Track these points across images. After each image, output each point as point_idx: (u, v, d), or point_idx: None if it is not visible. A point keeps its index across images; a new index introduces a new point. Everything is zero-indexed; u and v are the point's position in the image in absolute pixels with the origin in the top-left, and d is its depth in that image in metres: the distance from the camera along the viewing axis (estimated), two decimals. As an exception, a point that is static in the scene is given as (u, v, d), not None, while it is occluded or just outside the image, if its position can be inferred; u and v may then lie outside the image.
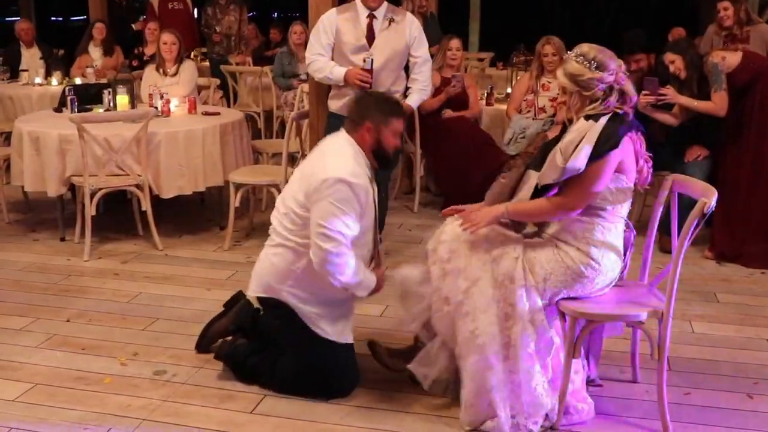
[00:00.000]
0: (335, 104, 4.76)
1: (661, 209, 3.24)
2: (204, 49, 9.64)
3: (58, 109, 5.88)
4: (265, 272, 3.24)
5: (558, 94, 5.42)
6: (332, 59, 4.76)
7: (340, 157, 3.09)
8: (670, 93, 4.82)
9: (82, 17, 15.23)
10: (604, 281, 3.00)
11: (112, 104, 5.68)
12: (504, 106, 6.42)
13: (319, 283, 3.10)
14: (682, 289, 3.87)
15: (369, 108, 3.19)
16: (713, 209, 2.81)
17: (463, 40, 6.63)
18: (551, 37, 6.02)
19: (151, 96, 5.83)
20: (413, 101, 4.95)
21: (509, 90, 7.05)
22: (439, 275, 3.07)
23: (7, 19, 14.90)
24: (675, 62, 4.87)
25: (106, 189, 4.95)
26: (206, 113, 5.77)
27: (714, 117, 4.85)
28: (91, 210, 4.87)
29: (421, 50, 4.88)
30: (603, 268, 2.95)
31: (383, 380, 3.35)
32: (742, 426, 3.07)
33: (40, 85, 7.59)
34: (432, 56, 5.29)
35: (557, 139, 3.06)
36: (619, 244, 3.02)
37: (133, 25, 9.82)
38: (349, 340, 3.28)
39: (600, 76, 2.90)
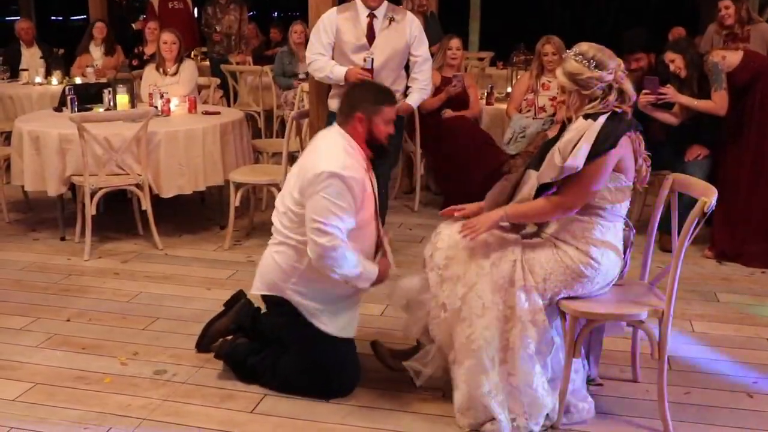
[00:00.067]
0: (335, 104, 4.75)
1: (661, 208, 3.24)
2: (204, 49, 9.64)
3: (58, 109, 5.88)
4: (268, 270, 3.24)
5: (558, 93, 5.42)
6: (332, 58, 4.76)
7: (331, 151, 3.08)
8: (670, 92, 4.81)
9: (82, 17, 15.23)
10: (604, 280, 3.00)
11: (112, 104, 5.68)
12: (504, 106, 6.41)
13: (323, 279, 3.10)
14: (683, 289, 3.87)
15: (359, 99, 3.19)
16: (713, 208, 2.81)
17: (463, 39, 6.63)
18: (551, 36, 6.02)
19: (151, 95, 5.83)
20: (413, 100, 4.95)
21: (509, 89, 7.04)
22: (437, 282, 3.07)
23: (7, 18, 14.91)
24: (675, 61, 4.87)
25: (107, 188, 4.95)
26: (206, 113, 5.77)
27: (714, 116, 4.85)
28: (91, 209, 4.87)
29: (422, 49, 4.88)
30: (603, 267, 2.95)
31: (384, 380, 3.35)
32: (742, 425, 3.07)
33: (40, 84, 7.59)
34: (432, 55, 5.29)
35: (556, 138, 3.06)
36: (619, 243, 3.02)
37: (133, 25, 9.83)
38: (350, 335, 3.27)
39: (599, 75, 2.90)
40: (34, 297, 4.32)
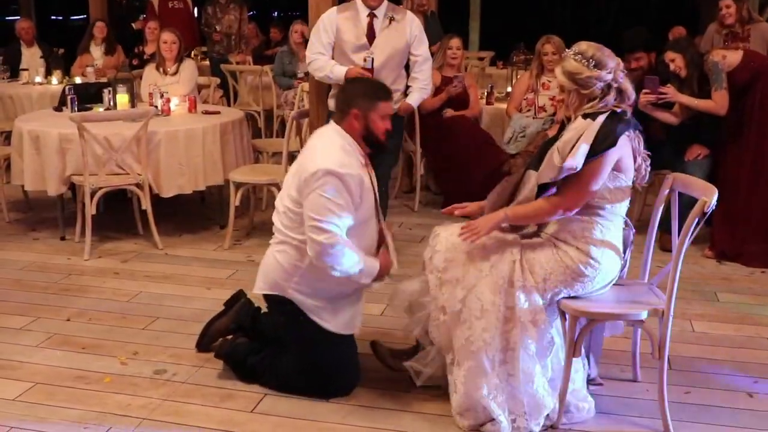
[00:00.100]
0: (335, 103, 4.76)
1: (661, 208, 3.24)
2: (204, 48, 9.63)
3: (58, 108, 5.87)
4: (270, 270, 3.23)
5: (557, 92, 5.42)
6: (332, 58, 4.76)
7: (327, 149, 3.08)
8: (670, 92, 4.81)
9: (82, 16, 15.23)
10: (604, 280, 3.00)
11: (112, 103, 5.68)
12: (504, 105, 6.41)
13: (325, 278, 3.09)
14: (683, 288, 3.87)
15: (354, 95, 3.18)
16: (713, 208, 2.81)
17: (463, 39, 6.63)
18: (551, 36, 6.02)
19: (151, 95, 5.83)
20: (414, 100, 4.95)
21: (509, 89, 7.04)
22: (436, 284, 3.07)
23: (7, 18, 14.90)
24: (675, 61, 4.87)
25: (107, 188, 4.95)
26: (206, 112, 5.77)
27: (714, 116, 4.85)
28: (91, 209, 4.87)
29: (422, 49, 4.88)
30: (602, 266, 2.95)
31: (384, 379, 3.35)
32: (743, 425, 3.07)
33: (40, 84, 7.59)
34: (432, 55, 5.29)
35: (556, 138, 3.05)
36: (619, 242, 3.02)
37: (133, 24, 9.82)
38: (354, 330, 3.27)
39: (598, 74, 2.90)
40: (34, 296, 4.32)
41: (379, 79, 4.61)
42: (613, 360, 3.52)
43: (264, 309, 3.49)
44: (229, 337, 3.52)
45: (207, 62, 9.12)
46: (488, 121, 6.53)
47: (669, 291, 2.89)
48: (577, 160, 2.83)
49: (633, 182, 3.01)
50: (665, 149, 4.93)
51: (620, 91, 2.95)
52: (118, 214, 5.72)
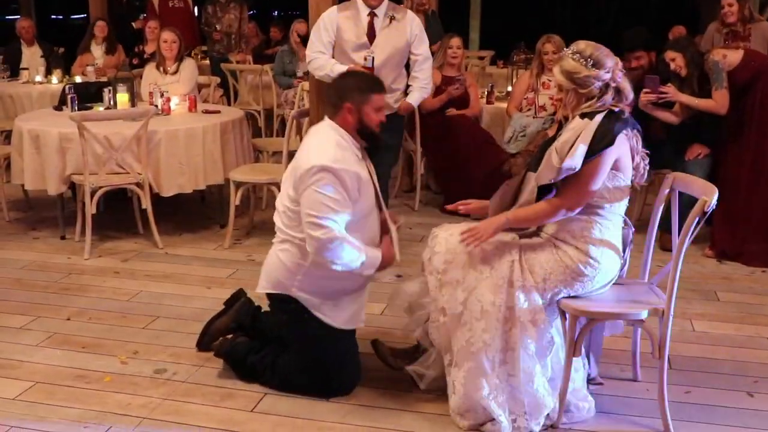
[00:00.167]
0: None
1: (661, 207, 3.24)
2: (204, 48, 9.63)
3: (59, 108, 5.87)
4: (273, 269, 3.23)
5: (555, 91, 5.42)
6: (333, 57, 4.76)
7: (322, 146, 3.08)
8: (670, 91, 4.81)
9: (82, 15, 15.23)
10: (604, 279, 3.00)
11: (112, 102, 5.68)
12: (504, 105, 6.41)
13: (328, 275, 3.10)
14: (683, 288, 3.87)
15: (346, 89, 3.18)
16: (714, 207, 2.81)
17: (463, 38, 6.63)
18: (552, 35, 6.02)
19: (151, 94, 5.83)
20: (414, 99, 4.95)
21: (509, 88, 7.04)
22: (436, 286, 3.07)
23: (7, 17, 14.90)
24: (676, 60, 4.86)
25: (107, 187, 4.94)
26: (206, 111, 5.77)
27: (715, 115, 4.84)
28: (91, 208, 4.87)
29: (422, 48, 4.89)
30: (602, 266, 2.95)
31: (384, 379, 3.34)
32: (743, 424, 3.07)
33: (41, 83, 7.59)
34: (432, 54, 5.29)
35: (554, 138, 3.05)
36: (618, 241, 3.02)
37: (133, 24, 9.82)
38: (358, 325, 3.27)
39: (596, 73, 2.90)
40: (34, 296, 4.32)
41: (379, 78, 4.62)
42: (613, 359, 3.52)
43: (264, 308, 3.49)
44: (229, 336, 3.52)
45: (207, 61, 9.12)
46: (488, 121, 6.53)
47: (669, 290, 2.89)
48: (575, 161, 2.83)
49: (631, 181, 3.01)
50: (665, 148, 4.93)
51: (618, 91, 2.95)
52: (118, 214, 5.72)
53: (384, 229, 3.29)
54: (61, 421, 3.06)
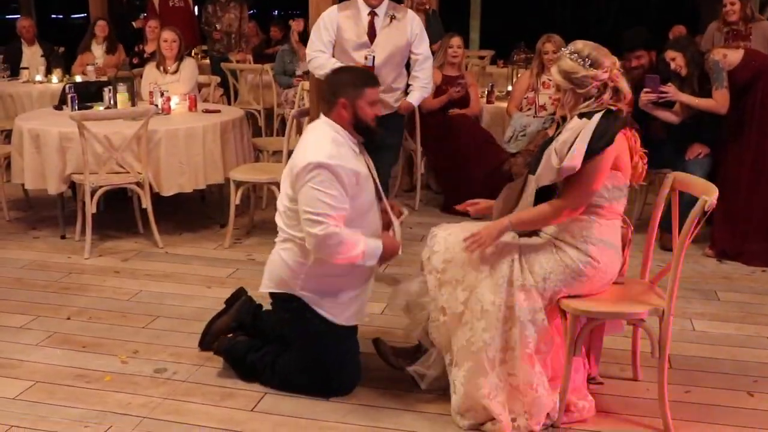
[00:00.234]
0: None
1: (662, 207, 3.24)
2: (204, 47, 9.64)
3: (59, 107, 5.87)
4: (276, 268, 3.23)
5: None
6: (333, 56, 4.76)
7: (318, 142, 3.08)
8: (671, 90, 4.81)
9: (82, 15, 15.23)
10: (604, 278, 3.00)
11: (112, 102, 5.68)
12: (504, 104, 6.41)
13: (331, 273, 3.10)
14: (683, 287, 3.87)
15: (339, 84, 3.17)
16: (714, 207, 2.81)
17: (463, 37, 6.63)
18: (552, 34, 6.03)
19: (151, 94, 5.83)
20: (414, 99, 4.95)
21: (510, 88, 7.04)
22: (435, 285, 3.07)
23: (7, 16, 14.90)
24: (676, 59, 4.86)
25: (107, 187, 4.94)
26: (207, 111, 5.77)
27: (715, 115, 4.84)
28: (91, 208, 4.87)
29: (422, 47, 4.89)
30: (602, 265, 2.95)
31: (385, 378, 3.34)
32: (743, 424, 3.06)
33: (41, 82, 7.59)
34: (433, 54, 5.29)
35: (552, 139, 3.05)
36: (617, 241, 3.01)
37: (133, 23, 9.82)
38: (359, 321, 3.27)
39: (594, 73, 2.89)
40: (35, 295, 4.32)
41: (379, 77, 4.61)
42: (614, 359, 3.52)
43: (266, 306, 3.49)
44: (230, 335, 3.52)
45: (207, 61, 9.12)
46: (489, 120, 6.53)
47: (669, 290, 2.89)
48: (575, 161, 2.82)
49: (630, 181, 3.00)
50: (666, 148, 4.93)
51: (616, 90, 2.94)
52: (118, 213, 5.72)
53: (386, 223, 3.29)
54: (61, 420, 3.05)
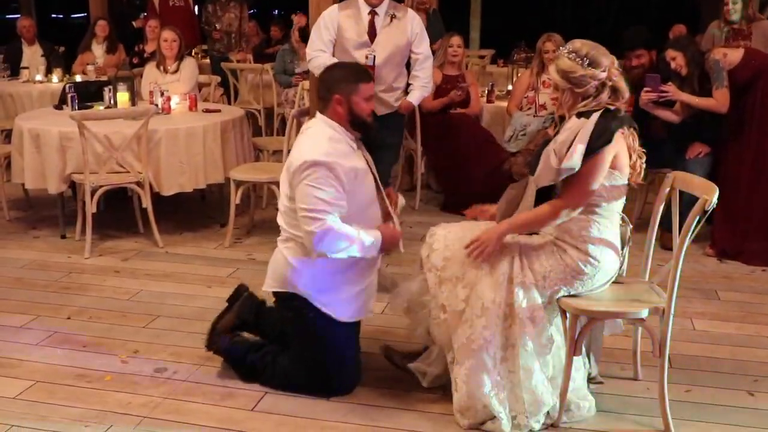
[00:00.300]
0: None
1: (662, 206, 3.24)
2: (205, 47, 9.63)
3: (59, 107, 5.87)
4: (279, 266, 3.23)
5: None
6: (333, 55, 4.76)
7: (314, 140, 3.08)
8: (671, 90, 4.81)
9: (82, 14, 15.22)
10: (604, 278, 3.00)
11: (112, 101, 5.68)
12: (505, 104, 6.41)
13: (334, 270, 3.11)
14: (683, 287, 3.86)
15: (334, 81, 3.17)
16: (714, 206, 2.81)
17: (464, 37, 6.63)
18: (552, 34, 6.03)
19: (151, 93, 5.83)
20: (414, 98, 4.96)
21: (510, 87, 7.04)
22: (435, 282, 3.06)
23: (8, 16, 14.90)
24: (676, 59, 4.86)
25: (107, 186, 4.94)
26: (207, 110, 5.77)
27: (715, 114, 4.84)
28: (91, 207, 4.87)
29: (423, 47, 4.89)
30: (602, 264, 2.95)
31: (385, 378, 3.34)
32: (743, 423, 3.07)
33: (41, 82, 7.59)
34: (433, 53, 5.29)
35: (550, 139, 3.04)
36: (616, 240, 3.01)
37: (133, 23, 9.82)
38: (363, 316, 3.27)
39: (592, 72, 2.89)
40: (35, 295, 4.32)
41: (380, 76, 4.63)
42: (614, 358, 3.52)
43: (269, 303, 3.48)
44: (229, 335, 3.51)
45: (207, 60, 9.12)
46: (489, 120, 6.53)
47: (670, 289, 2.89)
48: (574, 161, 2.82)
49: (628, 180, 3.00)
50: (666, 147, 4.93)
51: (614, 90, 2.94)
52: (118, 213, 5.72)
53: (386, 218, 3.29)
54: (61, 420, 3.05)
